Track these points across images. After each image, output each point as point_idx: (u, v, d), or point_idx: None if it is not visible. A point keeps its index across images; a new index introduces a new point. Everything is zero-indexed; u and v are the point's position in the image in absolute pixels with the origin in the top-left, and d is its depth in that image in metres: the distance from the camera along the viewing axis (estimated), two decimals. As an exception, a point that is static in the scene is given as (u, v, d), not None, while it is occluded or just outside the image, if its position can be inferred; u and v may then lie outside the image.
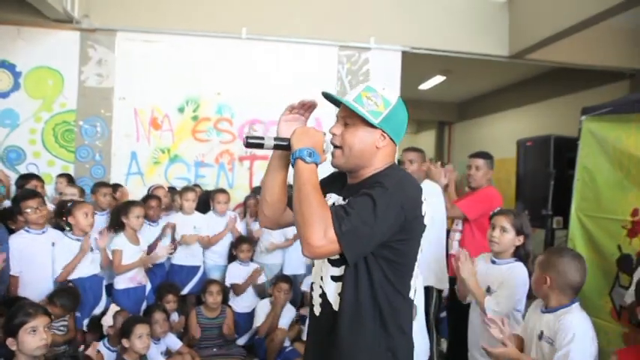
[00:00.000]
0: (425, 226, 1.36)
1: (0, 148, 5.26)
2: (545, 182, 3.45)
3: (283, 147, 1.37)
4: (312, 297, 1.49)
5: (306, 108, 1.48)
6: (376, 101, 1.35)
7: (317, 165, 1.31)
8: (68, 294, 2.78)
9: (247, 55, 5.49)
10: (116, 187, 4.32)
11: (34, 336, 2.05)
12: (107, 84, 5.36)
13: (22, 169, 5.13)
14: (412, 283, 1.39)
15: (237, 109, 5.54)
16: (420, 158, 3.15)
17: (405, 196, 1.27)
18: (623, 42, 5.80)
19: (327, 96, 1.41)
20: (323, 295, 1.41)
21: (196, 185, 4.74)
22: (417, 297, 2.90)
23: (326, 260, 1.40)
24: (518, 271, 2.37)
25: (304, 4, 5.50)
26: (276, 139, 1.37)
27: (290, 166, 1.40)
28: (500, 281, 2.37)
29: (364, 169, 1.39)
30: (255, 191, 4.83)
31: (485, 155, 3.45)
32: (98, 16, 5.27)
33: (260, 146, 1.36)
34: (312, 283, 1.52)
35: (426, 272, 2.94)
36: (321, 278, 1.42)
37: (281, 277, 3.62)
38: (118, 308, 2.89)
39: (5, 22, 5.17)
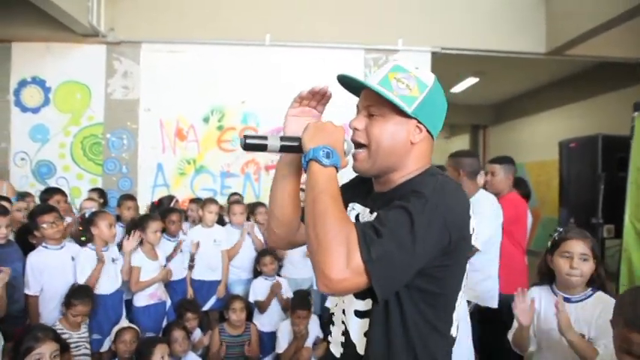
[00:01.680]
0: (472, 247, 1.08)
1: (32, 162, 5.34)
2: (593, 186, 3.15)
3: (293, 148, 1.08)
4: (330, 333, 1.22)
5: (319, 98, 1.19)
6: (408, 83, 1.06)
7: (337, 169, 1.02)
8: (81, 291, 2.72)
9: (271, 61, 5.39)
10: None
11: None
12: (133, 96, 5.37)
13: (52, 183, 5.18)
14: (455, 316, 1.11)
15: (263, 117, 5.44)
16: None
17: (449, 210, 0.97)
18: (673, 32, 5.37)
19: (344, 80, 1.13)
20: (346, 334, 1.13)
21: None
22: (461, 329, 2.61)
23: None
24: (610, 303, 1.72)
25: (328, 8, 5.36)
26: (282, 138, 1.08)
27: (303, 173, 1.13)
28: (596, 323, 1.80)
29: (395, 173, 1.10)
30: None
31: (503, 160, 3.18)
32: (123, 29, 5.30)
33: (262, 148, 1.06)
34: (331, 315, 1.23)
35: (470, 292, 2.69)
36: (343, 312, 1.15)
37: (298, 303, 3.28)
38: (128, 324, 2.78)
39: (35, 39, 5.27)
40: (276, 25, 5.31)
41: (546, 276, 1.97)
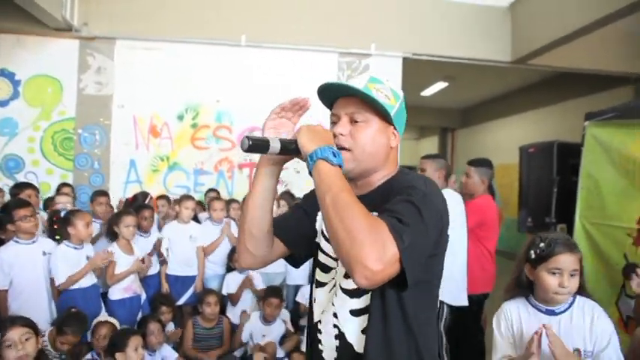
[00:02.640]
0: (448, 236, 1.14)
1: (-1, 156, 5.24)
2: (549, 189, 3.37)
3: (291, 150, 1.11)
4: (319, 342, 1.20)
5: (297, 109, 1.22)
6: (387, 94, 1.15)
7: (341, 168, 1.06)
8: (76, 319, 2.65)
9: (247, 62, 5.46)
10: None
11: (12, 349, 1.98)
12: (106, 92, 5.34)
13: (21, 178, 5.10)
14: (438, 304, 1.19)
15: (237, 116, 5.50)
16: (432, 166, 2.95)
17: (440, 203, 1.07)
18: (627, 46, 5.74)
19: (328, 89, 1.17)
20: (340, 336, 1.14)
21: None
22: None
23: (339, 291, 1.15)
24: (597, 308, 1.73)
25: (304, 11, 5.48)
26: (281, 140, 1.10)
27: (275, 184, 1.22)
28: (592, 335, 1.69)
29: (375, 175, 1.16)
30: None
31: (480, 162, 3.30)
32: (97, 25, 5.26)
33: (264, 150, 1.09)
34: (316, 324, 1.22)
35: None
36: (335, 315, 1.16)
37: (270, 292, 3.44)
38: (107, 317, 2.81)
39: (5, 30, 5.17)
40: (252, 26, 5.38)
41: (523, 289, 1.80)
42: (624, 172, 2.88)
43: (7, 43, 5.24)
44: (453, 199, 2.85)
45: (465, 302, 2.86)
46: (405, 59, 5.62)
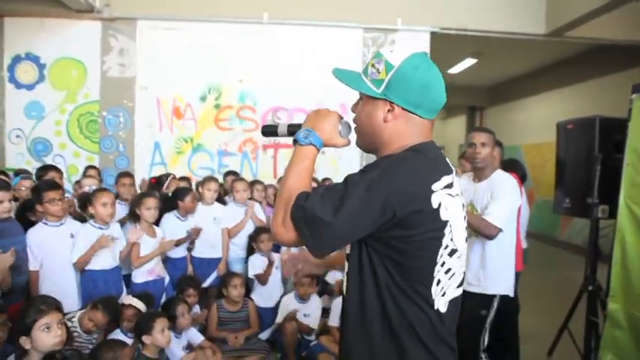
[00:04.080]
0: (444, 222, 1.08)
1: (28, 140, 5.31)
2: (590, 168, 3.16)
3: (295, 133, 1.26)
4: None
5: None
6: (379, 67, 1.14)
7: (317, 148, 1.16)
8: (110, 301, 2.66)
9: (269, 40, 5.34)
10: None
11: (49, 333, 1.98)
12: (129, 74, 5.32)
13: (49, 161, 5.17)
14: (437, 291, 1.12)
15: (260, 96, 5.41)
16: (492, 142, 2.67)
17: (391, 186, 1.03)
18: (672, 15, 5.36)
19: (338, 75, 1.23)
20: (345, 290, 1.26)
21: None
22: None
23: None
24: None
25: (327, -15, 5.30)
26: (289, 125, 1.27)
27: None
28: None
29: (379, 151, 1.19)
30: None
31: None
32: (119, 5, 5.22)
33: (275, 134, 1.29)
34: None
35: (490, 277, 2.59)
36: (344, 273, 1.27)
37: None
38: (131, 300, 2.80)
39: (29, 14, 5.18)
40: (274, 2, 5.25)
41: None
42: (674, 147, 2.68)
43: (31, 26, 5.25)
44: (508, 181, 2.63)
45: (512, 291, 2.70)
46: (432, 34, 5.39)
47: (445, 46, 5.82)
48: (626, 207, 2.94)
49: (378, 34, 5.40)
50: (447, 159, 1.19)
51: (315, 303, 3.47)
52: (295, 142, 1.18)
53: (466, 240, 1.19)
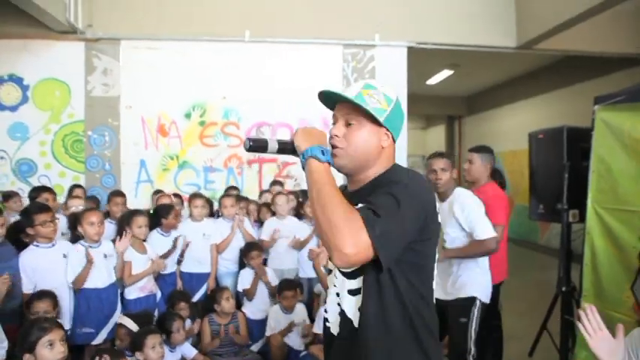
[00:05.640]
0: (439, 224, 1.30)
1: (12, 161, 5.32)
2: (560, 175, 3.35)
3: (287, 150, 1.27)
4: (326, 318, 1.39)
5: None
6: (378, 99, 1.27)
7: (330, 165, 1.22)
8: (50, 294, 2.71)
9: (251, 57, 5.47)
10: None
11: (52, 350, 2.05)
12: (113, 93, 5.38)
13: (34, 182, 5.19)
14: (434, 285, 1.31)
15: (244, 112, 5.53)
16: (451, 166, 2.84)
17: (423, 193, 1.22)
18: (634, 28, 5.67)
19: (327, 95, 1.31)
20: (342, 313, 1.30)
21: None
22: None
23: (338, 273, 1.31)
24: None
25: (307, 4, 5.47)
26: (279, 141, 1.27)
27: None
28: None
29: (367, 172, 1.30)
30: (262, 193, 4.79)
31: (481, 149, 3.32)
32: (101, 26, 5.29)
33: (263, 149, 1.26)
34: (325, 309, 1.42)
35: (467, 282, 2.75)
36: (337, 295, 1.33)
37: (284, 285, 3.52)
38: (123, 319, 2.85)
39: (11, 35, 5.22)
40: (255, 21, 5.38)
41: None
42: (636, 155, 2.86)
43: (14, 48, 5.29)
44: (468, 194, 2.83)
45: (489, 298, 2.82)
46: (409, 48, 5.60)
47: (423, 58, 6.04)
48: (593, 211, 3.13)
49: (357, 50, 5.58)
50: None
51: (301, 313, 3.55)
52: (308, 158, 1.18)
53: None
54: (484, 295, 2.78)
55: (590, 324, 1.54)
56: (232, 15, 5.38)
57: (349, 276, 1.27)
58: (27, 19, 4.80)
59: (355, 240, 1.06)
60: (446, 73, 8.59)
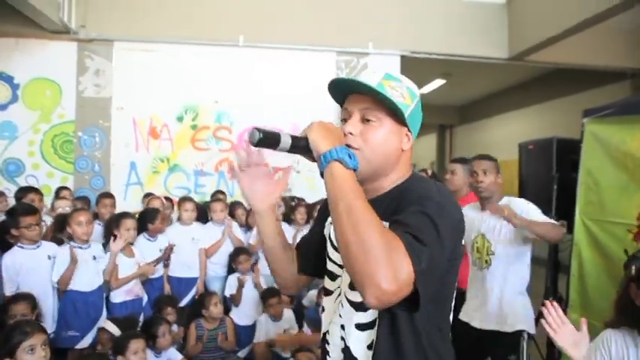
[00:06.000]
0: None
1: (-1, 160, 5.25)
2: (549, 186, 3.38)
3: (301, 148, 1.01)
4: (328, 353, 1.15)
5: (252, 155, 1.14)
6: (402, 92, 1.04)
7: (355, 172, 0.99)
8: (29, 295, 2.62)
9: (245, 62, 5.47)
10: None
11: (33, 354, 2.01)
12: (105, 94, 5.34)
13: (22, 182, 5.12)
14: (451, 317, 1.12)
15: (236, 117, 5.52)
16: (496, 169, 2.59)
17: (457, 212, 1.00)
18: (623, 42, 5.76)
19: (337, 84, 1.08)
20: (346, 350, 1.08)
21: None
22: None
23: (345, 301, 1.09)
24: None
25: (301, 11, 5.49)
26: (292, 137, 1.01)
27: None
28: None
29: (383, 180, 1.07)
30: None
31: (463, 160, 3.34)
32: (95, 26, 5.27)
33: (274, 145, 0.99)
34: (324, 334, 1.18)
35: (510, 313, 2.43)
36: (342, 327, 1.10)
37: (267, 294, 3.50)
38: (107, 323, 2.82)
39: (2, 34, 5.17)
40: (249, 26, 5.39)
41: (629, 316, 1.52)
42: (623, 168, 2.90)
43: (5, 46, 5.24)
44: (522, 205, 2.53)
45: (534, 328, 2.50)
46: (402, 57, 5.63)
47: (415, 67, 6.07)
48: (581, 223, 3.16)
49: (351, 58, 5.61)
50: None
51: (290, 320, 3.54)
52: (330, 161, 0.94)
53: None
54: (531, 326, 2.48)
55: (554, 320, 1.55)
56: (227, 19, 5.39)
57: (359, 307, 1.05)
58: (19, 18, 4.76)
59: (397, 274, 0.82)
60: (438, 83, 8.65)
